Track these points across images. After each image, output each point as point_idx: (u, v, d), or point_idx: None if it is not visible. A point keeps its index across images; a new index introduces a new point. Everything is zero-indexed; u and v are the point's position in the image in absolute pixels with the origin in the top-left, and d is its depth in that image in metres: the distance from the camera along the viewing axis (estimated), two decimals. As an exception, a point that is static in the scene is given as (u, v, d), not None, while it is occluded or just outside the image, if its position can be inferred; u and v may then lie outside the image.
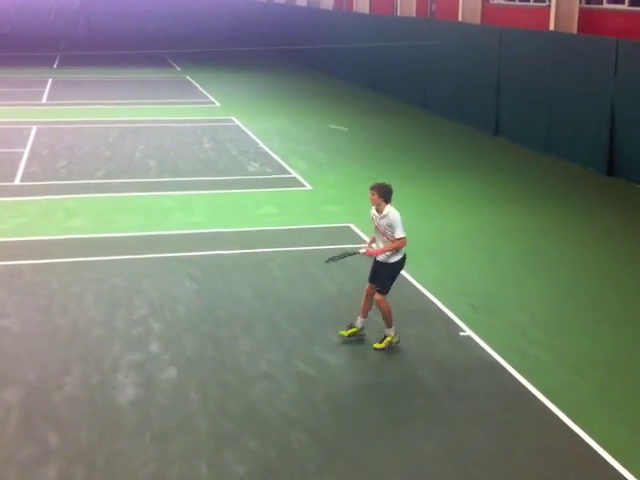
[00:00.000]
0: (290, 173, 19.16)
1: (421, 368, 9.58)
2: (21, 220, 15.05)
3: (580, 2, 24.51)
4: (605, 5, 23.82)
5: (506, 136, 23.69)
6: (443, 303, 11.39)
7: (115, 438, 7.99)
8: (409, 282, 12.08)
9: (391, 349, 9.97)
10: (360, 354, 9.88)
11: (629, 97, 18.70)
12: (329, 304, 11.41)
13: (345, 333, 10.24)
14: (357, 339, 10.24)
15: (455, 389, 9.11)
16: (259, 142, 22.72)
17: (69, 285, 11.93)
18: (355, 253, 10.20)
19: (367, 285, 10.16)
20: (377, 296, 9.95)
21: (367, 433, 8.16)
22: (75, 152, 21.02)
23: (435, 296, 11.63)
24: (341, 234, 14.34)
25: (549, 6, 25.25)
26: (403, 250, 9.85)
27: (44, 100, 30.54)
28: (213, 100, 31.13)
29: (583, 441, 8.04)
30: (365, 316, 10.22)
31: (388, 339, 9.99)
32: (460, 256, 13.51)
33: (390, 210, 9.71)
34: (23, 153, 20.63)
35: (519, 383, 9.21)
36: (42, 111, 27.81)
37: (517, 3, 28.56)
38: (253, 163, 20.19)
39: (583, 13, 24.57)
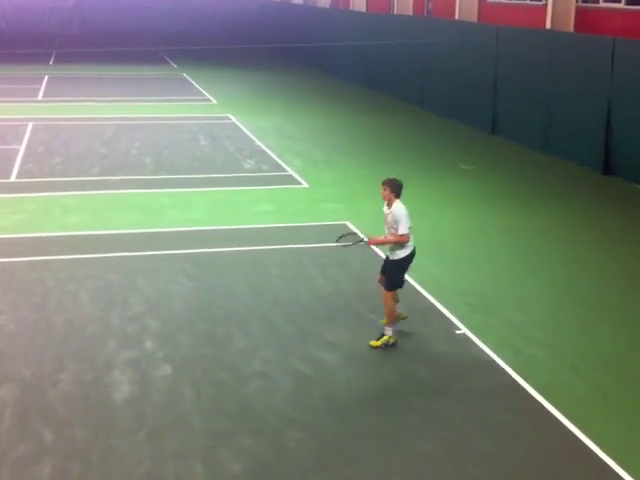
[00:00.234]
0: (286, 171, 19.14)
1: (418, 367, 9.56)
2: (17, 217, 15.01)
3: (577, 1, 24.54)
4: (602, 4, 23.83)
5: (503, 135, 23.69)
6: (440, 302, 11.37)
7: (110, 435, 7.96)
8: (406, 280, 12.03)
9: (387, 348, 9.94)
10: (356, 353, 9.86)
11: (626, 96, 18.70)
12: (325, 302, 11.39)
13: (375, 343, 10.09)
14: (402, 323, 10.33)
15: (452, 388, 9.09)
16: (255, 140, 22.69)
17: (65, 282, 11.90)
18: (362, 241, 10.22)
19: (379, 276, 10.26)
20: (383, 292, 10.01)
21: (364, 431, 8.14)
22: (71, 149, 20.98)
23: (432, 295, 11.61)
24: (338, 232, 14.27)
25: (546, 5, 25.27)
26: (410, 246, 9.86)
27: (40, 97, 30.48)
28: (210, 97, 31.09)
29: (579, 440, 8.03)
30: (397, 301, 10.24)
31: (385, 338, 9.98)
32: (457, 255, 13.50)
33: (398, 206, 9.78)
34: (19, 150, 20.58)
35: (516, 382, 9.19)
36: (38, 108, 27.76)
37: (514, 2, 28.57)
38: (249, 161, 20.16)
39: (580, 12, 24.59)
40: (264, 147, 21.72)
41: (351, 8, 42.74)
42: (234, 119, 26.07)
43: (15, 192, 16.77)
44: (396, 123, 26.16)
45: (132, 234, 14.19)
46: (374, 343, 9.99)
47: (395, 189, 9.81)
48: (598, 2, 23.94)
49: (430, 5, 34.78)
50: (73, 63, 41.53)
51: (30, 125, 24.04)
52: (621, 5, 23.13)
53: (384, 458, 7.68)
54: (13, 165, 18.98)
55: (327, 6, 45.95)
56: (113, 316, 10.74)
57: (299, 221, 15.16)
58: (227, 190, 17.31)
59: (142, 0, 62.49)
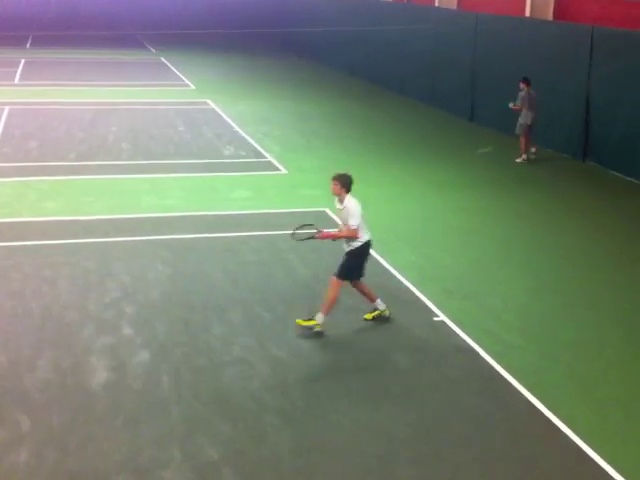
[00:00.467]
0: (265, 157, 19.09)
1: (396, 353, 9.60)
2: (-8, 202, 14.90)
3: (556, -11, 24.58)
4: (581, -8, 23.89)
5: (481, 121, 23.74)
6: (417, 288, 11.41)
7: (87, 422, 7.94)
8: (383, 267, 12.09)
9: (310, 330, 9.89)
10: (334, 339, 9.88)
11: (604, 83, 18.79)
12: (303, 288, 11.40)
13: (369, 316, 10.34)
14: (382, 319, 10.35)
15: (429, 374, 9.14)
16: (234, 125, 22.61)
17: (41, 268, 11.82)
18: (314, 237, 10.17)
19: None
20: (331, 279, 9.96)
21: (340, 417, 8.17)
22: (48, 133, 20.82)
23: (409, 281, 11.65)
24: (316, 218, 14.28)
25: (525, -8, 25.31)
26: (363, 239, 9.87)
27: (16, 81, 30.19)
28: (188, 83, 30.93)
29: (554, 423, 8.12)
30: (373, 300, 10.28)
31: (313, 322, 9.91)
32: (435, 240, 13.55)
33: (349, 200, 9.82)
34: (-5, 134, 20.42)
35: (492, 367, 9.26)
36: (14, 92, 27.50)
37: (493, -11, 28.57)
38: (228, 146, 20.10)
39: (559, 0, 24.64)
40: (243, 133, 21.65)
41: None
42: (212, 104, 25.96)
43: (-9, 177, 16.63)
44: (376, 110, 26.15)
45: (109, 220, 14.11)
46: (300, 321, 9.93)
47: (346, 184, 9.84)
48: (577, -10, 24.00)
49: (410, -9, 34.71)
50: (50, 47, 41.15)
51: (6, 109, 23.82)
52: (599, -7, 23.20)
53: (360, 443, 7.72)
54: (-11, 150, 18.82)
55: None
56: (90, 302, 10.69)
57: (277, 207, 15.14)
58: (204, 176, 17.25)
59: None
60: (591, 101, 19.17)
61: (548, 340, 10.02)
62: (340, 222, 10.05)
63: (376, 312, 10.35)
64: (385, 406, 8.41)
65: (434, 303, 10.93)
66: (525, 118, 18.94)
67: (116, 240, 13.11)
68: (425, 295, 11.19)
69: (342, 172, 10.03)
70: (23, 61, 35.34)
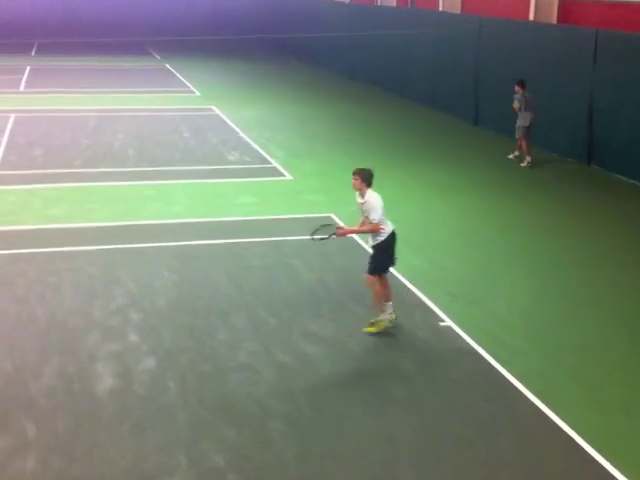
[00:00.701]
0: (270, 162, 19.12)
1: (401, 358, 9.60)
2: (-2, 209, 14.96)
3: (559, -8, 24.58)
4: (584, -5, 23.89)
5: (485, 125, 23.74)
6: (421, 292, 11.42)
7: (93, 428, 7.96)
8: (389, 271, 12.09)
9: (380, 330, 10.06)
10: (339, 343, 9.89)
11: (608, 87, 18.78)
12: (308, 294, 11.41)
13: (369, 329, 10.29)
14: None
15: (434, 378, 9.15)
16: (239, 131, 22.65)
17: (46, 275, 11.86)
18: (334, 234, 10.14)
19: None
20: (364, 276, 10.09)
21: (345, 422, 8.18)
22: (53, 141, 20.88)
23: (414, 285, 11.65)
24: (321, 224, 14.27)
25: (529, -4, 25.31)
26: (387, 231, 9.92)
27: (22, 88, 30.27)
28: (193, 89, 30.98)
29: (559, 427, 8.11)
30: (388, 299, 10.25)
31: (381, 324, 10.07)
32: (438, 244, 13.55)
33: (370, 195, 9.83)
34: (0, 142, 20.45)
35: (496, 371, 9.26)
36: (20, 99, 27.59)
37: (497, -7, 28.58)
38: (233, 152, 20.13)
39: (563, 3, 24.64)
40: (247, 139, 21.69)
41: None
42: (217, 110, 26.01)
43: (-3, 184, 16.69)
44: (378, 114, 26.17)
45: (114, 226, 14.15)
46: (369, 329, 10.06)
47: (366, 178, 9.83)
48: (580, -7, 24.00)
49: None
50: (55, 54, 41.29)
51: (12, 117, 23.89)
52: (603, -4, 23.19)
53: (365, 448, 7.73)
54: (-5, 157, 18.89)
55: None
56: (95, 309, 10.72)
57: (282, 213, 15.16)
58: (210, 182, 17.28)
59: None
60: (595, 104, 19.16)
61: (553, 343, 10.01)
62: (364, 216, 10.00)
63: (379, 324, 10.18)
64: (389, 411, 8.42)
65: (439, 307, 10.94)
66: (523, 120, 19.01)
67: (121, 247, 13.14)
68: (430, 299, 11.20)
69: (362, 167, 9.98)
70: (28, 68, 35.45)
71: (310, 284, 11.78)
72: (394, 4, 35.71)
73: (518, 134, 19.34)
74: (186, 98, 28.89)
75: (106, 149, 20.08)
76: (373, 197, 9.81)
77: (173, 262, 12.46)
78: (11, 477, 7.20)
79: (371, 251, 10.27)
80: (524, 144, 19.32)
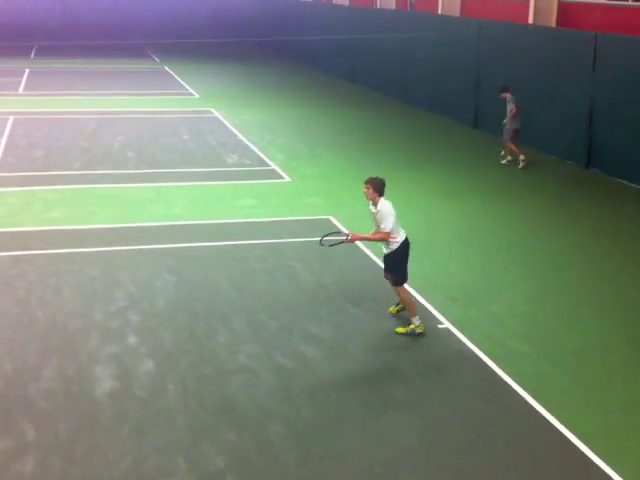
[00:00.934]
0: (269, 165, 19.13)
1: (401, 360, 9.61)
2: (-2, 211, 14.95)
3: (559, -4, 24.63)
4: (583, -1, 23.94)
5: (485, 128, 23.76)
6: (422, 295, 11.41)
7: (92, 431, 7.96)
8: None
9: (413, 335, 10.13)
10: (339, 346, 9.89)
11: (607, 90, 18.80)
12: (308, 296, 11.41)
13: (394, 310, 10.67)
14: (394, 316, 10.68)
15: (433, 380, 9.15)
16: (238, 134, 22.66)
17: (46, 277, 11.86)
18: (344, 241, 10.28)
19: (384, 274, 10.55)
20: (394, 289, 10.25)
21: (345, 424, 8.18)
22: (53, 143, 20.88)
23: (414, 288, 11.63)
24: (320, 226, 14.32)
25: (528, -1, 25.37)
26: (399, 240, 10.06)
27: (21, 90, 30.28)
28: (192, 92, 31.00)
29: (558, 430, 8.12)
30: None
31: (411, 326, 10.16)
32: (438, 248, 13.55)
33: (383, 204, 9.93)
34: (0, 144, 20.45)
35: (496, 373, 9.26)
36: (19, 101, 27.60)
37: (496, -4, 28.64)
38: (232, 155, 20.14)
39: (562, 7, 24.69)
40: (246, 141, 21.70)
41: (334, 2, 42.73)
42: (217, 113, 26.02)
43: (-4, 186, 16.69)
44: (378, 117, 26.19)
45: (114, 228, 14.15)
46: (400, 330, 10.19)
47: (378, 188, 9.92)
48: (579, -3, 24.05)
49: (413, -1, 34.82)
50: (54, 56, 41.31)
51: (11, 119, 23.90)
52: (603, 0, 23.24)
53: (366, 450, 7.72)
54: (-6, 159, 18.89)
55: (310, 0, 45.88)
56: (95, 311, 10.71)
57: (282, 215, 15.16)
58: (209, 185, 17.29)
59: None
60: (594, 107, 19.18)
61: (553, 346, 10.02)
62: (377, 225, 10.14)
63: (400, 306, 10.61)
64: (389, 412, 8.42)
65: (439, 310, 10.94)
66: (516, 124, 19.11)
67: (121, 249, 13.14)
68: (430, 302, 11.20)
69: (374, 176, 10.08)
70: (27, 71, 35.47)
71: (310, 287, 11.78)
72: (393, 7, 35.77)
73: (508, 138, 19.38)
74: (185, 100, 28.91)
75: (105, 151, 20.09)
76: (386, 207, 9.88)
77: (173, 264, 12.46)
78: (11, 479, 7.19)
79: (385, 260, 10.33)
80: (514, 146, 19.40)
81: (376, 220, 10.06)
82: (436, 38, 26.64)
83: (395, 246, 10.07)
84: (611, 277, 12.49)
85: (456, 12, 30.65)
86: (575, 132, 19.81)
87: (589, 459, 7.64)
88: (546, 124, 20.92)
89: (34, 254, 12.80)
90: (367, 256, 12.84)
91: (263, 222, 14.75)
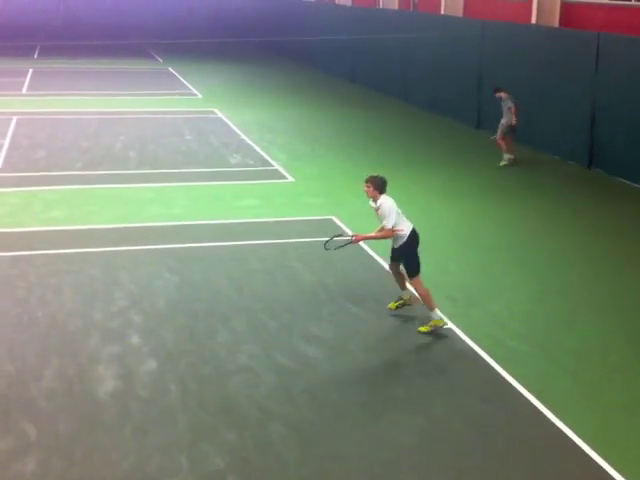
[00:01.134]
0: (272, 165, 19.14)
1: (400, 359, 9.61)
2: None
3: (561, -4, 24.62)
4: (586, -1, 23.93)
5: (488, 128, 23.71)
6: (423, 295, 11.40)
7: (94, 431, 7.97)
8: (388, 274, 12.08)
9: (435, 332, 10.16)
10: (339, 346, 9.89)
11: (610, 90, 18.79)
12: (309, 296, 11.41)
13: (393, 305, 10.72)
14: (405, 307, 10.80)
15: (433, 380, 9.15)
16: (241, 134, 22.67)
17: (47, 277, 11.87)
18: (350, 241, 10.39)
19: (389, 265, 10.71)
20: (409, 282, 10.30)
21: (346, 424, 8.18)
22: (55, 143, 20.91)
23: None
24: (323, 226, 14.33)
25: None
26: (406, 232, 10.08)
27: (24, 90, 30.33)
28: (195, 92, 31.02)
29: (559, 429, 8.11)
30: (404, 287, 10.63)
31: (432, 323, 10.18)
32: (439, 248, 13.53)
33: (383, 201, 9.97)
34: (3, 144, 20.50)
35: (497, 373, 9.26)
36: (22, 101, 27.64)
37: (499, -4, 28.62)
38: (235, 155, 20.15)
39: (565, 7, 24.67)
40: (249, 141, 21.71)
41: (337, 2, 42.72)
42: (219, 113, 26.04)
43: (-2, 186, 16.72)
44: (381, 117, 26.19)
45: (115, 229, 14.16)
46: (422, 329, 10.20)
47: (379, 186, 9.98)
48: (582, -3, 24.03)
49: (415, -1, 34.82)
50: (58, 56, 41.36)
51: (14, 119, 23.94)
52: (606, 0, 23.22)
53: (366, 450, 7.72)
54: (-4, 159, 18.93)
55: (313, 0, 45.88)
56: (96, 311, 10.73)
57: (284, 215, 15.17)
58: (211, 185, 17.30)
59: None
60: (597, 108, 19.16)
61: (553, 346, 10.01)
62: (379, 221, 10.25)
63: (401, 301, 10.69)
64: (390, 413, 8.42)
65: (439, 310, 10.91)
66: (510, 120, 19.14)
67: (122, 249, 13.15)
68: (431, 302, 11.18)
69: (374, 174, 10.14)
70: (31, 71, 35.51)
71: (311, 287, 11.78)
72: (396, 7, 35.76)
73: (506, 133, 19.41)
74: (188, 101, 28.93)
75: (107, 151, 20.10)
76: (387, 203, 9.92)
77: (174, 264, 12.47)
78: (12, 479, 7.20)
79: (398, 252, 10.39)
80: (503, 143, 19.43)
81: (378, 217, 10.13)
82: (439, 38, 26.63)
83: (403, 239, 10.11)
84: (612, 277, 12.48)
85: (459, 12, 30.64)
86: (577, 132, 19.79)
87: (590, 458, 7.64)
88: (548, 124, 20.90)
89: (35, 254, 12.82)
90: (369, 256, 12.84)
91: (265, 222, 14.75)
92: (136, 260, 12.65)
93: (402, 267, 10.53)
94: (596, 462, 7.59)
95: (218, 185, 17.27)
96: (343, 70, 34.96)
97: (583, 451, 7.75)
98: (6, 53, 41.51)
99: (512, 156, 19.68)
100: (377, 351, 9.84)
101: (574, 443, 7.89)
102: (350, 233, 10.48)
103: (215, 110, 26.63)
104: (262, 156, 20.03)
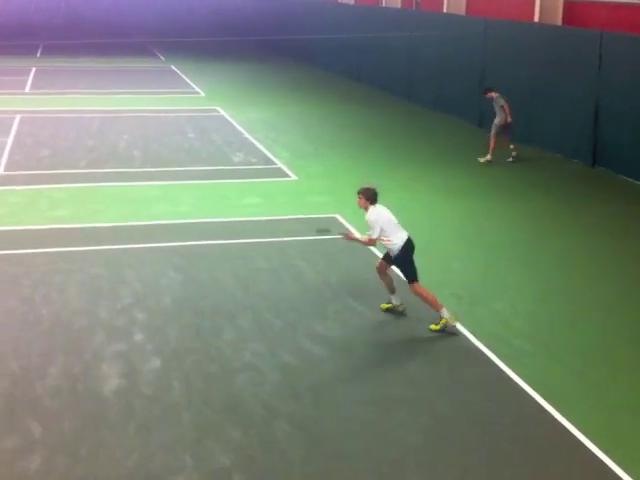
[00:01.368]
0: (275, 163, 19.14)
1: (407, 359, 9.61)
2: (4, 210, 14.97)
3: (565, -6, 24.58)
4: (589, -3, 23.90)
5: (490, 127, 23.65)
6: (427, 294, 11.40)
7: (99, 428, 7.98)
8: (393, 272, 12.08)
9: (446, 330, 10.20)
10: (344, 344, 9.89)
11: (613, 88, 18.77)
12: (313, 295, 11.42)
13: (384, 307, 10.79)
14: (396, 313, 10.76)
15: (439, 378, 9.15)
16: (244, 132, 22.67)
17: (52, 275, 11.88)
18: (343, 236, 10.72)
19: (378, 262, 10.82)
20: (410, 288, 10.37)
21: (351, 422, 8.19)
22: (59, 141, 20.92)
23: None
24: (327, 225, 14.29)
25: (534, -3, 25.33)
26: (398, 242, 10.22)
27: (28, 89, 30.35)
28: (198, 90, 31.03)
29: (564, 428, 8.12)
30: (392, 291, 10.68)
31: (443, 321, 10.23)
32: (442, 246, 13.55)
33: (370, 213, 10.26)
34: (6, 142, 20.52)
35: (502, 372, 9.26)
36: (26, 100, 27.66)
37: (502, -6, 28.60)
38: (238, 153, 20.15)
39: (568, 5, 24.65)
40: (252, 139, 21.71)
41: (340, 1, 42.70)
42: (222, 112, 26.04)
43: (2, 185, 16.72)
44: (384, 116, 26.18)
45: (120, 227, 14.17)
46: (434, 327, 10.27)
47: (369, 197, 10.30)
48: (585, -5, 24.00)
49: (418, -3, 34.79)
50: (61, 55, 41.38)
51: (18, 117, 23.95)
52: (608, -2, 23.20)
53: (372, 449, 7.73)
54: (0, 158, 18.92)
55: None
56: (101, 309, 10.74)
57: (287, 214, 15.17)
58: (215, 183, 17.30)
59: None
60: (600, 106, 19.14)
61: (558, 345, 10.01)
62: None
63: (389, 305, 10.75)
64: (395, 411, 8.42)
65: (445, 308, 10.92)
66: (500, 119, 19.19)
67: (127, 247, 13.17)
68: (435, 301, 11.19)
69: (366, 186, 10.44)
70: (34, 69, 35.53)
71: (315, 285, 11.78)
72: (399, 6, 35.74)
73: (496, 133, 19.44)
74: (191, 99, 28.93)
75: (111, 150, 20.12)
76: (372, 215, 10.22)
77: (179, 262, 12.48)
78: (17, 477, 7.22)
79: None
80: (498, 142, 19.45)
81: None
82: (441, 37, 26.61)
83: (395, 250, 10.26)
84: (616, 276, 12.47)
85: (462, 11, 30.61)
86: (581, 130, 19.77)
87: (595, 457, 7.64)
88: (552, 122, 20.89)
89: (40, 252, 12.83)
90: (374, 254, 12.82)
91: (269, 220, 14.76)
92: (141, 258, 12.66)
93: (393, 270, 10.72)
94: (601, 460, 7.59)
95: (222, 183, 17.27)
96: (347, 68, 34.94)
97: (588, 449, 7.75)
98: (9, 52, 41.54)
99: (490, 157, 19.67)
100: (382, 349, 9.84)
101: (579, 441, 7.89)
102: (357, 234, 10.56)
103: (218, 108, 26.63)
104: (265, 154, 20.04)
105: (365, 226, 10.49)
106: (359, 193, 10.35)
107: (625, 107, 18.37)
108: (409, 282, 10.35)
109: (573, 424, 8.16)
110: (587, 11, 24.03)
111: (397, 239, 10.22)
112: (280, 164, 19.03)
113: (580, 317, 10.90)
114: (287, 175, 18.09)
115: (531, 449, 7.78)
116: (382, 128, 24.14)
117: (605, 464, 7.53)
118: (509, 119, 19.20)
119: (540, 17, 24.98)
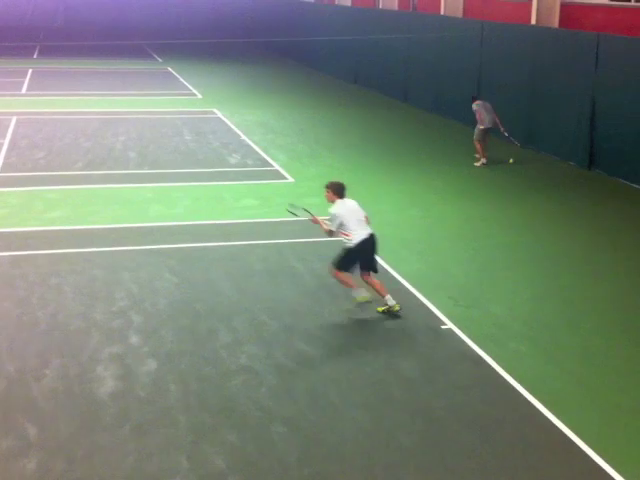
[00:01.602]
0: (272, 165, 19.13)
1: (403, 361, 9.60)
2: (0, 211, 14.94)
3: (561, -4, 24.61)
4: (586, 0, 23.90)
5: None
6: (424, 296, 11.41)
7: (94, 431, 7.96)
8: (390, 274, 12.11)
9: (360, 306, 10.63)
10: (340, 346, 9.89)
11: (610, 91, 18.79)
12: (309, 297, 11.41)
13: (380, 310, 10.85)
14: (392, 315, 10.79)
15: (436, 381, 9.14)
16: (241, 134, 22.67)
17: (48, 277, 11.87)
18: (309, 216, 11.12)
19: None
20: (329, 269, 10.84)
21: (347, 425, 8.18)
22: (55, 143, 20.90)
23: (415, 289, 11.65)
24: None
25: (531, 0, 25.32)
26: (355, 239, 10.47)
27: (24, 90, 30.32)
28: (195, 92, 31.02)
29: (560, 431, 8.11)
30: (383, 294, 10.78)
31: (358, 299, 10.83)
32: (440, 249, 13.55)
33: (334, 206, 10.66)
34: (2, 144, 20.49)
35: (499, 375, 9.26)
36: (22, 101, 27.63)
37: (499, -3, 28.62)
38: (234, 155, 20.14)
39: (564, 8, 24.67)
40: (249, 142, 21.71)
41: (336, 2, 42.72)
42: (219, 113, 26.03)
43: (-2, 186, 16.71)
44: (380, 118, 26.19)
45: (116, 229, 14.15)
46: (379, 309, 10.76)
47: (336, 191, 10.65)
48: (582, -2, 24.03)
49: (415, 0, 34.79)
50: (57, 56, 41.35)
51: (14, 119, 23.92)
52: (605, 1, 23.23)
53: (368, 452, 7.72)
54: (-4, 159, 18.92)
55: (312, 0, 45.88)
56: (97, 311, 10.72)
57: (284, 216, 15.11)
58: (211, 185, 17.30)
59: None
60: (596, 108, 19.17)
61: (555, 347, 10.01)
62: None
63: (385, 307, 10.77)
64: (392, 414, 8.41)
65: (441, 311, 10.94)
66: (483, 123, 19.22)
67: (123, 249, 13.15)
68: (432, 303, 11.19)
69: (334, 180, 10.92)
70: (30, 71, 35.50)
71: (311, 287, 11.77)
72: (396, 8, 35.76)
73: (482, 137, 19.50)
74: (188, 101, 28.93)
75: (108, 152, 20.10)
76: (334, 209, 10.56)
77: (175, 264, 12.47)
78: (12, 479, 7.19)
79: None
80: (483, 146, 19.49)
81: None
82: (438, 39, 26.63)
83: (350, 244, 10.55)
84: (613, 278, 12.48)
85: (459, 13, 30.64)
86: (577, 133, 19.79)
87: (591, 460, 7.63)
88: (548, 125, 20.91)
89: (35, 254, 12.81)
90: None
91: (265, 222, 14.75)
92: (137, 260, 12.64)
93: (372, 274, 10.86)
94: (597, 464, 7.58)
95: (218, 185, 17.26)
96: (344, 71, 34.95)
97: (584, 452, 7.75)
98: (6, 53, 41.48)
99: (484, 160, 19.69)
100: (378, 352, 9.83)
101: (575, 444, 7.88)
102: (312, 216, 11.03)
103: (215, 110, 26.63)
104: (262, 156, 20.03)
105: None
106: (326, 187, 10.73)
107: (621, 109, 18.40)
108: (333, 265, 10.69)
109: (569, 427, 8.15)
110: (583, 13, 24.05)
111: (356, 236, 10.50)
112: (277, 166, 19.02)
113: (577, 319, 10.91)
114: (284, 177, 18.08)
115: (527, 452, 7.78)
116: (379, 130, 24.15)
117: (601, 467, 7.52)
118: (481, 126, 19.27)
119: (537, 19, 25.00)
